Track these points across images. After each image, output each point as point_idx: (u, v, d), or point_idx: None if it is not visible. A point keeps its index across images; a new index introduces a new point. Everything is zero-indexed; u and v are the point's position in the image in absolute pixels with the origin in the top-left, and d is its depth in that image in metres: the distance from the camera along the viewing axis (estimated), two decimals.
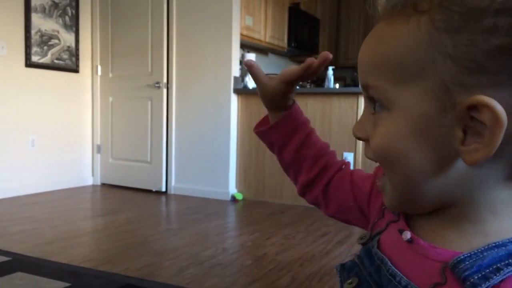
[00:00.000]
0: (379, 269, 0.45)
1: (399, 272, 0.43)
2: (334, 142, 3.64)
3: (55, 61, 4.24)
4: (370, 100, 0.45)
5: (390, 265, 0.44)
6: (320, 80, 5.98)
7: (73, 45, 4.40)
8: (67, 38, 4.34)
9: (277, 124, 0.72)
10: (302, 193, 0.75)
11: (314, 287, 2.03)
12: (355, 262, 0.50)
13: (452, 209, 0.43)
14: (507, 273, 0.38)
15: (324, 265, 2.31)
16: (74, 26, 4.40)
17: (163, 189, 4.25)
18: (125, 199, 3.98)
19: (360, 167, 3.55)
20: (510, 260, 0.38)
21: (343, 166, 0.71)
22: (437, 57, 0.38)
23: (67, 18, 4.33)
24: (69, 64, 4.37)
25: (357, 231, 3.03)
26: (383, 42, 0.43)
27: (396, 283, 0.43)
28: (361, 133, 0.47)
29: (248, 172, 4.02)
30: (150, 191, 4.28)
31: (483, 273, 0.38)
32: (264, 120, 0.75)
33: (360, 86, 0.47)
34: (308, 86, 5.46)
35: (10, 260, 2.22)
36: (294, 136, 0.72)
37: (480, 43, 0.36)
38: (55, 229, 2.90)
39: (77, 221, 3.24)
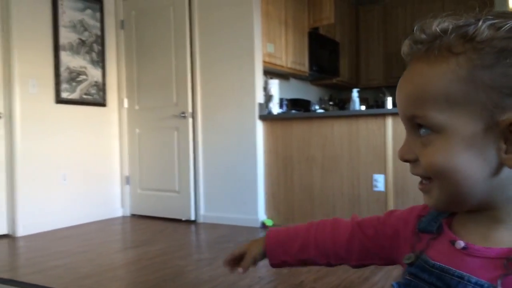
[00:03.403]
0: (441, 277, 0.52)
1: (466, 273, 0.50)
2: (363, 164, 3.62)
3: (84, 96, 4.35)
4: (416, 126, 0.54)
5: (454, 269, 0.51)
6: (342, 102, 5.98)
7: (100, 80, 4.52)
8: (94, 73, 4.46)
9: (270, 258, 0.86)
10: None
11: None
12: (408, 279, 0.56)
13: (496, 211, 0.52)
14: None
15: None
16: (100, 61, 4.53)
17: (192, 218, 4.26)
18: (156, 230, 3.99)
19: (391, 189, 3.51)
20: None
21: (352, 229, 0.78)
22: (478, 88, 0.48)
23: (93, 54, 4.46)
24: (96, 98, 4.48)
25: None
26: (426, 79, 0.52)
27: (466, 282, 0.50)
28: (410, 155, 0.55)
29: (276, 197, 4.02)
30: (179, 220, 4.30)
31: None
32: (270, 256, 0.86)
33: (402, 116, 0.56)
34: (331, 109, 5.47)
35: None
36: (292, 254, 0.84)
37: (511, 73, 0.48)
38: (90, 263, 2.92)
39: (111, 253, 3.26)
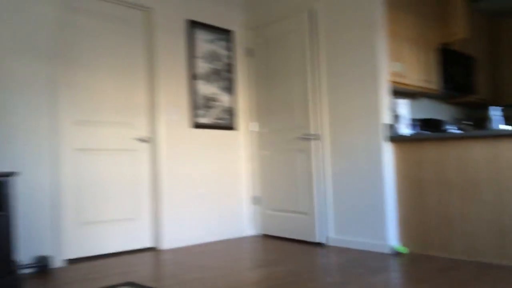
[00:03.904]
0: None
1: None
2: (510, 189, 3.28)
3: (216, 121, 4.65)
4: None
5: None
6: (479, 121, 5.54)
7: (230, 105, 4.80)
8: (225, 99, 4.75)
9: None
10: None
11: None
12: None
13: None
14: None
15: None
16: (230, 88, 4.81)
17: (320, 240, 4.24)
18: (284, 250, 4.05)
19: None
20: None
21: None
22: None
23: (224, 81, 4.76)
24: (227, 122, 4.76)
25: None
26: None
27: None
28: None
29: (408, 223, 3.82)
30: (307, 242, 4.30)
31: None
32: None
33: None
34: (467, 129, 5.09)
35: None
36: None
37: None
38: (224, 278, 3.06)
39: (242, 271, 3.37)
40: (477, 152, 3.45)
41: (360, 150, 4.03)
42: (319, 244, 4.24)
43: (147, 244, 4.12)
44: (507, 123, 4.32)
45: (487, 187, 3.40)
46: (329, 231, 4.24)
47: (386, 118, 3.93)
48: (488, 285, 2.80)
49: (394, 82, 4.16)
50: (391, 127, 3.95)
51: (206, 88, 4.60)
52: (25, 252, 3.28)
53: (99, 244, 3.80)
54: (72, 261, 3.60)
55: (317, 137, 4.31)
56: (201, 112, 4.53)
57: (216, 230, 4.55)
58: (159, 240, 4.12)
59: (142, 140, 4.13)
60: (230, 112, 4.81)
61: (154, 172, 4.16)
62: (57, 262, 3.44)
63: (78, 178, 3.69)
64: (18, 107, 3.29)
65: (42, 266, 3.26)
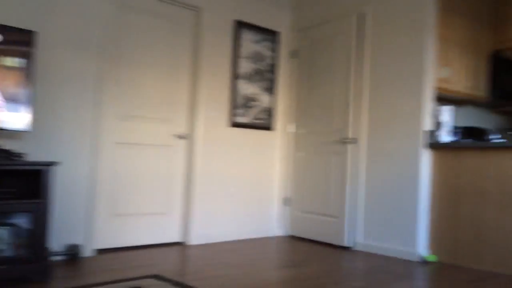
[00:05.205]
0: None
1: None
2: None
3: (254, 120, 4.71)
4: None
5: None
6: None
7: (270, 105, 4.84)
8: (265, 100, 4.80)
9: None
10: None
11: None
12: None
13: None
14: None
15: None
16: (271, 89, 4.85)
17: (348, 244, 4.20)
18: (311, 252, 4.04)
19: None
20: None
21: None
22: None
23: (266, 82, 4.81)
24: (265, 123, 4.80)
25: None
26: None
27: None
28: None
29: (441, 232, 3.70)
30: (334, 246, 4.27)
31: None
32: None
33: None
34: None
35: None
36: None
37: None
38: (248, 277, 3.11)
39: (268, 270, 3.41)
40: None
41: (397, 155, 3.96)
42: (346, 248, 4.20)
43: (176, 239, 4.24)
44: None
45: None
46: (357, 235, 4.19)
47: (428, 125, 3.84)
48: None
49: (439, 88, 4.04)
50: (432, 133, 3.85)
51: (247, 88, 4.67)
52: (58, 240, 3.44)
53: (129, 236, 3.95)
54: (102, 251, 3.76)
55: (354, 141, 4.27)
56: (240, 111, 4.61)
57: (244, 229, 4.62)
58: (187, 236, 4.23)
59: (180, 136, 4.26)
60: (269, 112, 4.85)
61: (188, 168, 4.28)
62: (88, 251, 3.60)
63: (115, 170, 3.86)
64: (65, 99, 3.48)
65: (72, 254, 3.41)
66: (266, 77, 4.83)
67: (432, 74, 3.89)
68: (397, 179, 3.93)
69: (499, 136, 4.70)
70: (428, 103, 3.85)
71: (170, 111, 4.19)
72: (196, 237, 4.25)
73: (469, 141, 4.15)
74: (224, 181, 4.47)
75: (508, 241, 3.31)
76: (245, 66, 4.65)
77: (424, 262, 3.64)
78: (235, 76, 4.56)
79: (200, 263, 3.51)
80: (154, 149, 4.10)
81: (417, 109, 3.84)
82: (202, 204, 4.30)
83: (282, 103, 4.98)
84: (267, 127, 4.83)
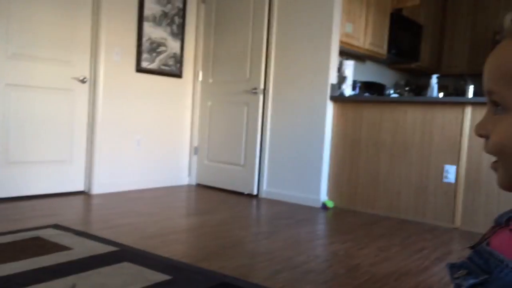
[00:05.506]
0: (488, 260, 0.54)
1: (506, 258, 0.51)
2: (435, 153, 3.47)
3: (162, 67, 4.53)
4: (492, 103, 0.54)
5: (498, 253, 0.53)
6: (419, 89, 5.73)
7: (178, 52, 4.67)
8: (173, 45, 4.62)
9: None
10: None
11: None
12: (464, 261, 0.58)
13: None
14: None
15: (421, 281, 2.21)
16: (180, 34, 4.67)
17: (255, 192, 4.34)
18: (218, 200, 4.12)
19: (462, 181, 3.34)
20: None
21: None
22: None
23: (174, 26, 4.61)
24: (173, 70, 4.65)
25: (457, 249, 2.86)
26: (507, 56, 0.52)
27: (503, 266, 0.51)
28: (483, 131, 0.55)
29: (340, 180, 3.97)
30: (241, 194, 4.39)
31: None
32: None
33: (485, 91, 0.56)
34: (406, 95, 5.26)
35: (118, 250, 2.41)
36: None
37: None
38: (156, 224, 3.09)
39: (176, 218, 3.42)
40: (410, 117, 3.60)
41: (304, 107, 4.09)
42: (253, 196, 4.34)
43: (79, 188, 4.04)
44: (443, 92, 4.51)
45: (415, 151, 3.58)
46: (264, 184, 4.33)
47: (333, 78, 3.99)
48: (399, 238, 3.01)
49: (343, 42, 4.18)
50: (335, 87, 4.01)
51: (154, 32, 4.43)
52: None
53: (26, 185, 3.68)
54: None
55: (263, 91, 4.32)
56: (146, 56, 4.39)
57: (152, 178, 4.53)
58: (91, 185, 4.05)
59: (82, 80, 3.97)
60: (178, 59, 4.69)
61: (91, 114, 4.03)
62: None
63: (8, 114, 3.52)
64: None
65: None
66: (175, 22, 4.62)
67: (339, 29, 4.01)
68: (304, 130, 4.08)
69: (396, 91, 5.07)
70: (335, 57, 3.99)
71: (70, 53, 3.87)
72: (101, 186, 4.08)
73: (368, 95, 4.41)
74: (130, 129, 4.29)
75: (398, 188, 3.66)
76: (152, 8, 4.39)
77: (324, 208, 3.90)
78: (141, 18, 4.30)
79: (105, 212, 3.41)
80: (53, 92, 3.78)
81: (324, 63, 3.96)
82: (106, 152, 4.11)
83: (192, 50, 4.83)
84: (176, 74, 4.68)
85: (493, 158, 0.56)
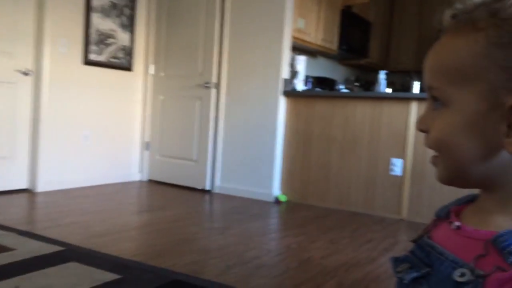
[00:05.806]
0: (429, 253, 0.55)
1: (446, 250, 0.53)
2: (383, 147, 3.57)
3: (111, 59, 4.39)
4: (432, 98, 0.55)
5: (439, 246, 0.54)
6: (368, 84, 5.88)
7: (128, 44, 4.54)
8: (123, 37, 4.49)
9: None
10: None
11: None
12: (407, 255, 0.59)
13: (495, 194, 0.52)
14: None
15: (370, 272, 2.27)
16: (130, 26, 4.54)
17: (208, 188, 4.31)
18: (171, 196, 4.06)
19: (408, 174, 3.46)
20: None
21: None
22: (490, 66, 0.48)
23: (124, 18, 4.48)
24: (123, 62, 4.52)
25: (403, 240, 2.96)
26: (446, 52, 0.53)
27: (444, 259, 0.52)
28: (423, 126, 0.56)
29: (292, 174, 4.01)
30: (194, 189, 4.35)
31: None
32: None
33: (425, 86, 0.57)
34: (356, 90, 5.38)
35: (64, 250, 2.32)
36: None
37: None
38: (105, 222, 3.00)
39: (126, 215, 3.34)
40: (360, 112, 3.68)
41: (257, 101, 4.09)
42: (206, 191, 4.31)
43: (22, 185, 3.84)
44: (390, 87, 4.64)
45: (364, 145, 3.67)
46: (217, 179, 4.31)
47: (285, 73, 4.01)
48: (349, 230, 3.08)
49: (295, 38, 4.21)
50: (287, 82, 4.04)
51: (103, 23, 4.28)
52: None
53: None
54: None
55: (215, 86, 4.28)
56: (95, 48, 4.23)
57: (101, 175, 4.38)
58: (35, 182, 3.87)
59: (24, 72, 3.78)
60: (128, 51, 4.56)
61: (35, 109, 3.85)
62: None
63: None
64: None
65: None
66: (125, 13, 4.49)
67: (291, 24, 4.04)
68: (256, 125, 4.09)
69: (346, 87, 5.17)
70: (287, 52, 4.01)
71: (11, 43, 3.67)
72: (46, 184, 3.90)
73: (320, 90, 4.48)
74: (78, 124, 4.13)
75: (348, 181, 3.74)
76: None
77: (277, 202, 3.93)
78: (89, 9, 4.15)
79: (50, 210, 3.27)
80: None
81: (277, 57, 3.98)
82: (52, 148, 3.93)
83: (142, 43, 4.71)
84: (125, 67, 4.55)
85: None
